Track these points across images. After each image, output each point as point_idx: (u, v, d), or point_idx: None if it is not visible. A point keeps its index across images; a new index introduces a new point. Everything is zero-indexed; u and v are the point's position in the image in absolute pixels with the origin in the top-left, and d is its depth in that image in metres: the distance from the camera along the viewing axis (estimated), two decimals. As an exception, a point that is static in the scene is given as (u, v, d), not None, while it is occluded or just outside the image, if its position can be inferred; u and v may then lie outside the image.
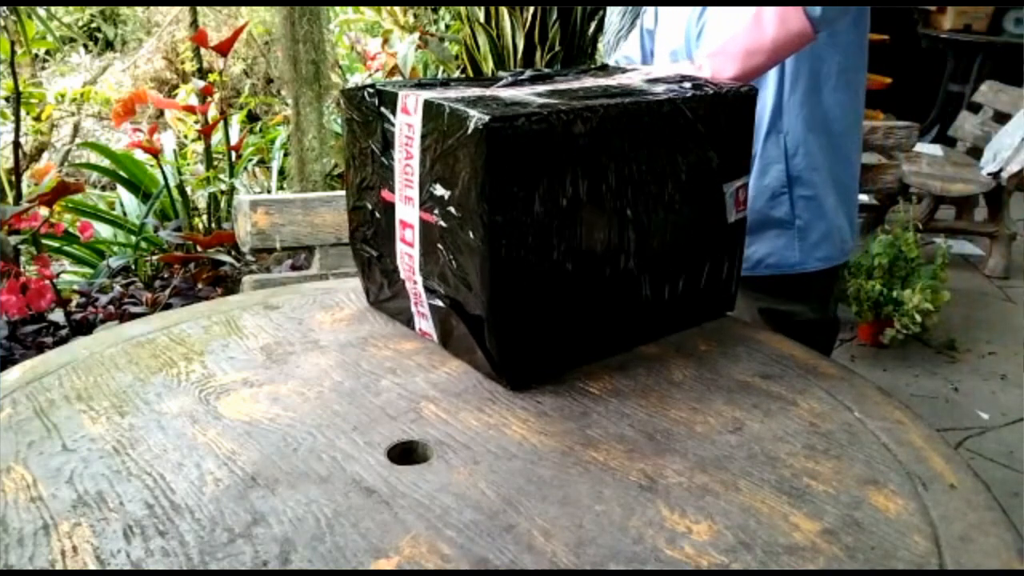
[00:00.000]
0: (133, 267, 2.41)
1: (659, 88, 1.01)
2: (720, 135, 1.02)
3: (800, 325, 1.35)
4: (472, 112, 0.83)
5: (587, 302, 0.97)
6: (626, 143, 0.93)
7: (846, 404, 0.93)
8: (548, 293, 0.93)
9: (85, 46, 5.23)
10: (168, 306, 2.01)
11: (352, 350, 1.03)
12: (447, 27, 4.56)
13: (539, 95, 0.94)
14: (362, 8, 4.83)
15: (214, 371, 0.98)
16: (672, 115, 0.97)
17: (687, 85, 1.03)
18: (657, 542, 0.70)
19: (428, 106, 0.89)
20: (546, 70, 1.12)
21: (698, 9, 1.33)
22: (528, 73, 1.07)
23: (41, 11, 2.78)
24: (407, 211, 0.96)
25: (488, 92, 0.95)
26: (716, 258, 1.09)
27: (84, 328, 1.91)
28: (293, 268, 2.20)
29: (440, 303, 0.97)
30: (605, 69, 1.19)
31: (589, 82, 1.05)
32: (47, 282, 1.76)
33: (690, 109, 0.98)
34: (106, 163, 2.98)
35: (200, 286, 2.21)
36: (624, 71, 1.17)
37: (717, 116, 1.01)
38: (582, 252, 0.94)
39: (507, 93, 0.95)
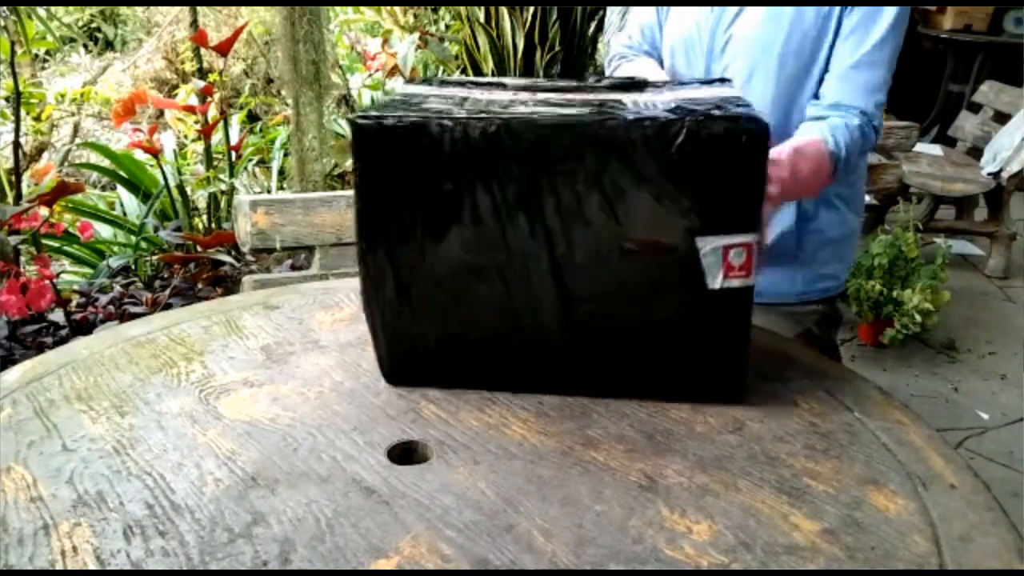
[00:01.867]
0: (133, 267, 2.41)
1: (642, 110, 0.85)
2: (699, 177, 0.81)
3: (808, 317, 1.36)
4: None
5: (482, 327, 0.91)
6: (536, 166, 0.83)
7: (846, 404, 0.93)
8: (428, 300, 0.91)
9: (85, 46, 5.23)
10: (168, 306, 2.01)
11: (352, 350, 1.03)
12: (447, 27, 4.56)
13: (516, 102, 0.90)
14: (362, 8, 4.83)
15: (214, 371, 0.98)
16: (609, 141, 0.81)
17: (682, 109, 0.84)
18: (657, 542, 0.70)
19: None
20: (622, 79, 0.99)
21: (726, 18, 1.25)
22: (605, 81, 0.98)
23: (41, 11, 2.78)
24: None
25: (506, 96, 0.93)
26: (692, 329, 0.88)
27: (84, 328, 1.91)
28: (293, 268, 2.20)
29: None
30: (646, 86, 1.00)
31: (587, 96, 0.94)
32: (47, 282, 1.76)
33: (643, 139, 0.81)
34: (106, 163, 2.98)
35: (200, 286, 2.21)
36: (658, 87, 0.99)
37: (696, 154, 0.80)
38: (468, 273, 0.88)
39: (505, 97, 0.93)
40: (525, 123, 0.82)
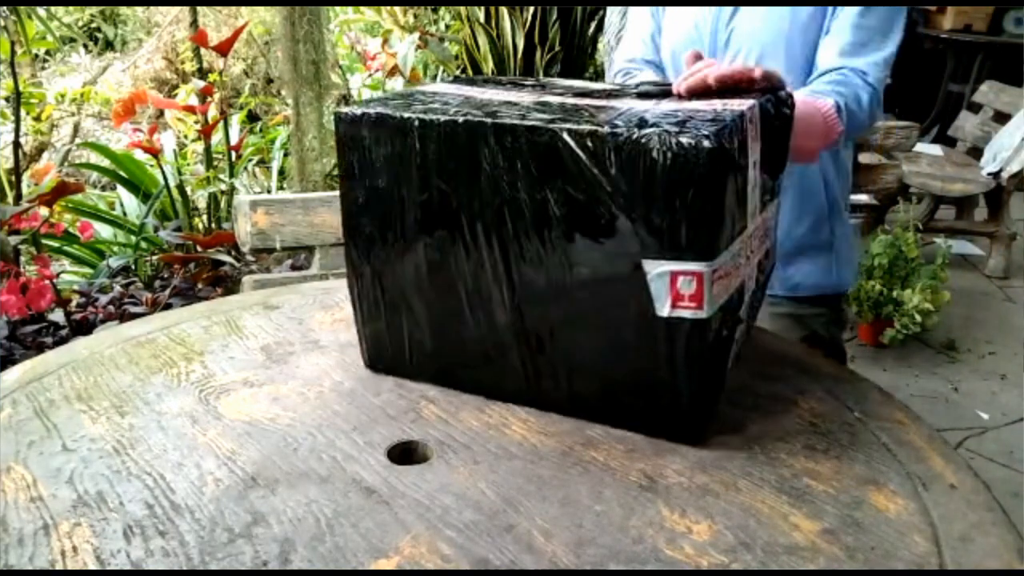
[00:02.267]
0: (133, 267, 2.41)
1: (612, 119, 0.79)
2: (641, 195, 0.76)
3: (815, 319, 1.37)
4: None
5: (444, 330, 0.92)
6: (484, 168, 0.83)
7: (846, 404, 0.93)
8: (398, 294, 0.93)
9: (85, 46, 5.23)
10: (168, 306, 2.01)
11: (352, 350, 1.03)
12: (447, 27, 4.56)
13: (511, 103, 0.89)
14: (362, 8, 4.83)
15: (214, 371, 0.98)
16: (551, 149, 0.78)
17: (658, 117, 0.79)
18: (657, 542, 0.70)
19: None
20: (643, 86, 0.93)
21: (724, 14, 1.24)
22: (643, 88, 0.95)
23: (41, 11, 2.78)
24: None
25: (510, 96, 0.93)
26: (643, 361, 0.82)
27: (84, 328, 1.91)
28: (293, 268, 2.20)
29: None
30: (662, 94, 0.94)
31: (593, 101, 0.89)
32: (47, 282, 1.76)
33: (585, 148, 0.77)
34: (106, 163, 2.98)
35: (200, 286, 2.21)
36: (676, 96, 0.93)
37: (635, 170, 0.76)
38: (428, 272, 0.90)
39: (508, 98, 0.92)
40: (463, 125, 0.82)
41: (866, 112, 1.14)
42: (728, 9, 1.24)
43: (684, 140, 0.73)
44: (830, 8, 1.18)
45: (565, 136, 0.77)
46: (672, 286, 0.77)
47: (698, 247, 0.76)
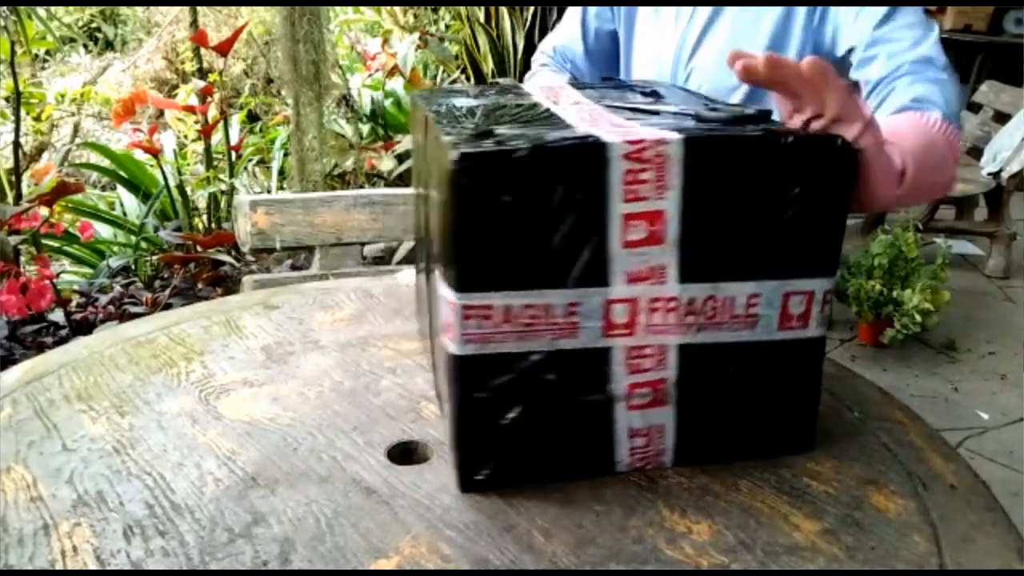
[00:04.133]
0: (133, 267, 2.41)
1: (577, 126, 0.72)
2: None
3: None
4: None
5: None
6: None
7: (846, 404, 0.93)
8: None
9: (85, 46, 5.23)
10: (168, 306, 2.02)
11: (352, 350, 1.03)
12: (447, 27, 4.56)
13: (519, 107, 0.88)
14: (362, 8, 4.83)
15: (214, 371, 0.98)
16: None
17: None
18: (657, 542, 0.70)
19: None
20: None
21: (684, 53, 1.22)
22: (723, 113, 0.83)
23: (41, 11, 2.78)
24: None
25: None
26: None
27: (84, 328, 1.91)
28: (293, 268, 2.20)
29: None
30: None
31: (615, 116, 0.80)
32: (47, 282, 1.76)
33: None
34: (106, 163, 2.98)
35: (200, 286, 2.21)
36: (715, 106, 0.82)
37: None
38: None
39: (528, 102, 0.90)
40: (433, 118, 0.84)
41: (959, 102, 0.99)
42: (688, 47, 1.23)
43: (451, 155, 0.65)
44: (792, 40, 1.14)
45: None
46: (445, 311, 0.71)
47: (450, 272, 0.69)
